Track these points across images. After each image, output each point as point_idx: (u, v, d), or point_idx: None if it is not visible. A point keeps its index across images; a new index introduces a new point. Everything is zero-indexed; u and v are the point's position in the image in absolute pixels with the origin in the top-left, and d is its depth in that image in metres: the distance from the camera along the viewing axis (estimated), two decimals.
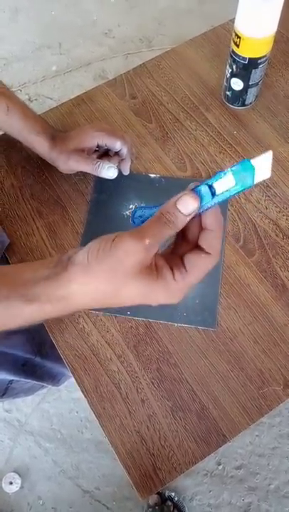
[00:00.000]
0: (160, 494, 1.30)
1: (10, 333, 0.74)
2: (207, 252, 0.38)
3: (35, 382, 0.97)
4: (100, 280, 0.37)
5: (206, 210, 0.37)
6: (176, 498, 1.29)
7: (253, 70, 0.72)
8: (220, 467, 1.35)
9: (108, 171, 0.69)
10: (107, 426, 0.60)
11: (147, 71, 0.87)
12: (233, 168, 0.34)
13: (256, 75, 0.73)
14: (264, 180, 0.36)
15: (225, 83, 0.79)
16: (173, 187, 0.74)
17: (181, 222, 0.38)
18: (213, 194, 0.36)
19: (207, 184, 0.36)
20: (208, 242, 0.38)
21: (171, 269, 0.38)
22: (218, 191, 0.35)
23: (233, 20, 0.69)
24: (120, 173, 0.72)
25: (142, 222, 0.39)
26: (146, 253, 0.37)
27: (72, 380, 0.64)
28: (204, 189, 0.36)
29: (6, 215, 0.74)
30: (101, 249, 0.38)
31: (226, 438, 0.58)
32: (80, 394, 0.62)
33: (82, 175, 0.75)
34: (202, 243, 0.39)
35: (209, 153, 0.77)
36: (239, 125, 0.80)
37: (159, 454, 0.58)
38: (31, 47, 2.12)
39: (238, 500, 1.31)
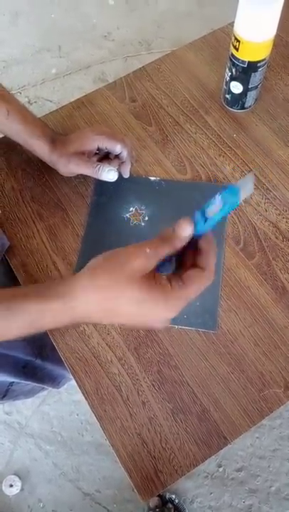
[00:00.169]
0: (161, 496, 1.30)
1: None
2: (203, 269, 0.41)
3: (35, 384, 0.97)
4: (102, 277, 0.41)
5: (202, 234, 0.42)
6: (176, 501, 1.29)
7: (253, 74, 0.73)
8: (220, 469, 1.34)
9: (108, 174, 0.69)
10: (108, 428, 0.60)
11: (147, 74, 0.87)
12: (222, 193, 0.39)
13: (255, 78, 0.74)
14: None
15: (224, 86, 0.79)
16: (173, 190, 0.75)
17: (178, 243, 0.41)
18: (206, 219, 0.40)
19: (201, 210, 0.41)
20: (203, 261, 0.42)
21: (170, 281, 0.41)
22: (209, 214, 0.40)
23: (232, 24, 0.70)
24: (120, 176, 0.73)
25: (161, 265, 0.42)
26: (147, 260, 0.40)
27: (73, 382, 0.64)
28: (198, 215, 0.41)
29: (6, 218, 0.74)
30: (105, 256, 0.43)
31: (227, 440, 0.59)
32: (80, 396, 0.62)
33: (83, 178, 0.75)
34: (198, 263, 0.42)
35: (209, 156, 0.78)
36: (239, 128, 0.80)
37: (160, 456, 0.58)
38: (31, 50, 2.13)
39: (238, 502, 1.31)
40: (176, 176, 0.76)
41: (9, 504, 1.35)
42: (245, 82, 0.75)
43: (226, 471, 1.34)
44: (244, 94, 0.77)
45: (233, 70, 0.74)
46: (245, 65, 0.71)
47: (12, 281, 0.71)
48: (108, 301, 0.42)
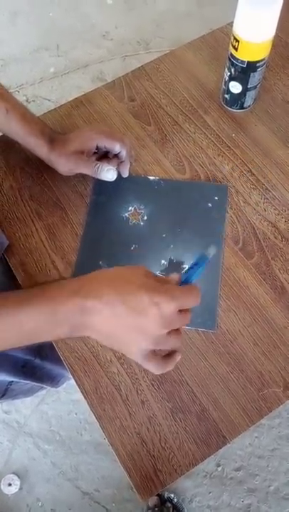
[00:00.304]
0: (159, 496, 1.30)
1: None
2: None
3: (34, 383, 0.97)
4: (109, 272, 0.47)
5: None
6: (175, 500, 1.29)
7: (252, 74, 0.73)
8: (219, 469, 1.35)
9: (107, 173, 0.69)
10: (107, 428, 0.60)
11: (146, 74, 0.87)
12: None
13: (254, 78, 0.74)
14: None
15: (223, 86, 0.79)
16: (172, 189, 0.75)
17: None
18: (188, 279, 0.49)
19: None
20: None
21: None
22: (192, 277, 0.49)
23: (231, 24, 0.70)
24: (119, 175, 0.73)
25: None
26: (148, 271, 0.46)
27: (72, 381, 0.64)
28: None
29: (4, 217, 0.74)
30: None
31: (226, 439, 0.59)
32: (79, 395, 0.62)
33: (82, 177, 0.75)
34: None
35: (208, 155, 0.78)
36: (237, 128, 0.80)
37: (159, 455, 0.58)
38: (29, 49, 2.12)
39: (237, 501, 1.31)
40: (175, 176, 0.76)
41: (8, 503, 1.35)
42: (244, 82, 0.75)
43: (225, 470, 1.35)
44: (243, 94, 0.77)
45: (232, 70, 0.74)
46: (245, 65, 0.71)
47: (11, 280, 0.71)
48: (119, 280, 0.45)
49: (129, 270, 0.46)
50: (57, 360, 0.86)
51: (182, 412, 0.60)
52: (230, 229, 0.71)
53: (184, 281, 0.48)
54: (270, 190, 0.74)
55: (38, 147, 0.71)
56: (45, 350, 0.89)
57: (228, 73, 0.75)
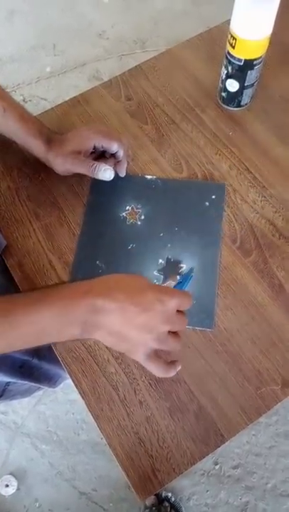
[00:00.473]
0: (157, 495, 1.30)
1: None
2: None
3: (32, 384, 0.96)
4: (115, 276, 0.50)
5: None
6: (173, 499, 1.29)
7: (249, 72, 0.73)
8: (217, 467, 1.35)
9: (104, 173, 0.69)
10: (104, 428, 0.60)
11: (143, 72, 0.87)
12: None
13: (252, 76, 0.74)
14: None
15: (220, 84, 0.79)
16: (169, 188, 0.74)
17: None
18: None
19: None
20: None
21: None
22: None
23: (228, 22, 0.69)
24: (116, 174, 0.72)
25: None
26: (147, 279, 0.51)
27: (69, 381, 0.64)
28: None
29: (2, 217, 0.73)
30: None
31: (224, 438, 0.59)
32: (76, 395, 0.62)
33: (79, 177, 0.75)
34: None
35: (205, 154, 0.78)
36: (235, 126, 0.80)
37: (157, 455, 0.58)
38: (26, 48, 2.12)
39: (235, 499, 1.32)
40: (172, 175, 0.76)
41: (5, 504, 1.35)
42: (241, 80, 0.75)
43: (222, 468, 1.35)
44: (240, 92, 0.77)
45: (229, 68, 0.74)
46: (242, 63, 0.71)
47: (9, 281, 0.70)
48: (126, 282, 0.48)
49: (132, 276, 0.50)
50: (54, 361, 0.86)
51: (180, 411, 0.60)
52: (227, 227, 0.71)
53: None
54: (267, 188, 0.74)
55: (36, 147, 0.70)
56: (42, 351, 0.89)
57: (225, 71, 0.75)
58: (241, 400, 0.60)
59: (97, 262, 0.69)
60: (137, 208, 0.73)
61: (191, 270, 0.64)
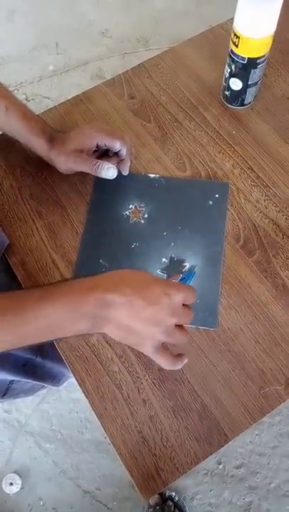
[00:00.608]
0: (161, 494, 1.30)
1: None
2: None
3: (35, 382, 0.96)
4: (121, 272, 0.50)
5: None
6: (176, 498, 1.29)
7: (252, 70, 0.72)
8: (220, 466, 1.35)
9: (107, 172, 0.69)
10: (108, 427, 0.60)
11: (146, 71, 0.87)
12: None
13: (255, 74, 0.74)
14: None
15: (224, 83, 0.79)
16: (172, 187, 0.74)
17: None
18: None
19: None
20: None
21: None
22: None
23: (231, 20, 0.69)
24: (120, 173, 0.72)
25: None
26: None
27: (72, 380, 0.64)
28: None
29: (5, 216, 0.73)
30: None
31: (228, 438, 0.58)
32: (79, 394, 0.62)
33: (82, 175, 0.75)
34: None
35: (208, 153, 0.77)
36: (238, 125, 0.80)
37: (161, 454, 0.58)
38: (28, 47, 2.12)
39: (238, 499, 1.31)
40: (175, 173, 0.76)
41: (9, 503, 1.36)
42: (244, 79, 0.74)
43: (226, 468, 1.35)
44: (243, 90, 0.77)
45: (233, 67, 0.73)
46: (245, 62, 0.71)
47: (12, 279, 0.70)
48: (132, 277, 0.49)
49: (137, 271, 0.51)
50: (58, 359, 0.86)
51: (184, 411, 0.60)
52: (231, 226, 0.71)
53: None
54: (270, 188, 0.74)
55: (38, 146, 0.70)
56: (45, 349, 0.89)
57: (229, 70, 0.75)
58: (245, 400, 0.60)
59: (101, 261, 0.69)
60: (140, 207, 0.73)
61: (193, 267, 0.66)
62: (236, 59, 0.72)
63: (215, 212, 0.72)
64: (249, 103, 0.80)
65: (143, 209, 0.73)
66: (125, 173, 0.74)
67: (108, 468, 1.36)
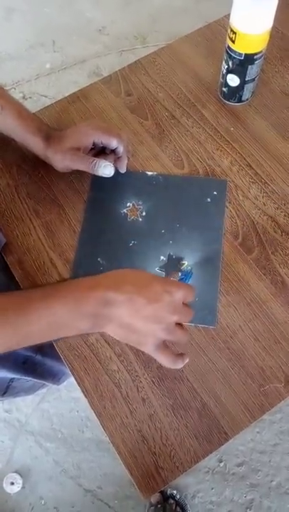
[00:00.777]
0: (162, 492, 1.30)
1: None
2: None
3: (35, 380, 0.96)
4: (121, 271, 0.51)
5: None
6: (178, 496, 1.29)
7: (249, 66, 0.72)
8: (221, 464, 1.35)
9: (104, 170, 0.68)
10: (108, 426, 0.59)
11: (142, 68, 0.86)
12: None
13: (252, 70, 0.73)
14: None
15: (221, 79, 0.78)
16: (170, 185, 0.74)
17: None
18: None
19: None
20: None
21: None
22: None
23: (228, 16, 0.69)
24: (117, 171, 0.72)
25: None
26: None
27: (72, 379, 0.63)
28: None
29: (2, 215, 0.73)
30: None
31: (228, 436, 0.58)
32: (79, 393, 0.62)
33: (79, 173, 0.74)
34: None
35: (206, 150, 0.77)
36: (236, 121, 0.79)
37: (160, 452, 0.58)
38: (25, 45, 2.11)
39: (240, 497, 1.31)
40: (173, 171, 0.75)
41: (10, 502, 1.35)
42: (242, 75, 0.74)
43: (227, 466, 1.35)
44: (241, 87, 0.76)
45: (230, 63, 0.73)
46: (242, 58, 0.71)
47: (10, 279, 0.70)
48: (132, 276, 0.50)
49: (137, 270, 0.52)
50: (58, 357, 0.85)
51: (183, 409, 0.60)
52: (229, 224, 0.71)
53: None
54: (269, 184, 0.73)
55: (34, 144, 0.70)
56: (45, 347, 0.89)
57: (226, 66, 0.74)
58: (244, 398, 0.60)
59: (99, 259, 0.68)
60: (138, 205, 0.72)
61: (191, 268, 0.67)
62: (233, 55, 0.71)
63: (213, 210, 0.71)
64: (247, 99, 0.80)
65: (141, 207, 0.72)
66: (122, 170, 0.73)
67: (109, 467, 1.36)
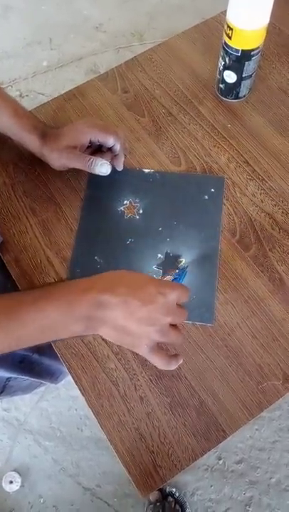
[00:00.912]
0: (161, 490, 1.30)
1: None
2: None
3: (33, 379, 0.96)
4: (117, 272, 0.50)
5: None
6: (177, 494, 1.29)
7: (246, 62, 0.72)
8: (220, 462, 1.35)
9: (101, 168, 0.68)
10: (105, 424, 0.59)
11: (139, 64, 0.86)
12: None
13: (249, 67, 0.73)
14: None
15: (218, 76, 0.78)
16: (167, 182, 0.74)
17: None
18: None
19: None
20: None
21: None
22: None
23: (224, 13, 0.68)
24: (114, 168, 0.71)
25: None
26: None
27: (70, 377, 0.63)
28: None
29: None
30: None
31: (226, 433, 0.58)
32: (78, 392, 0.62)
33: (75, 171, 0.74)
34: None
35: (203, 147, 0.77)
36: (233, 118, 0.79)
37: (158, 451, 0.58)
38: (21, 43, 2.10)
39: (239, 494, 1.31)
40: (170, 168, 0.75)
41: (9, 501, 1.35)
42: (238, 72, 0.74)
43: (226, 463, 1.35)
44: (238, 83, 0.76)
45: (227, 59, 0.73)
46: (239, 54, 0.70)
47: (7, 278, 0.70)
48: (127, 278, 0.49)
49: (132, 272, 0.51)
50: (55, 356, 0.85)
51: (181, 407, 0.60)
52: (226, 221, 0.70)
53: None
54: (266, 181, 0.73)
55: (30, 142, 0.69)
56: (42, 346, 0.88)
57: (223, 62, 0.74)
58: (242, 395, 0.60)
59: (96, 257, 0.68)
60: (135, 202, 0.72)
61: (185, 266, 0.66)
62: (230, 51, 0.71)
63: (211, 207, 0.71)
64: (244, 96, 0.80)
65: (138, 204, 0.72)
66: (119, 168, 0.73)
67: (108, 465, 1.36)
